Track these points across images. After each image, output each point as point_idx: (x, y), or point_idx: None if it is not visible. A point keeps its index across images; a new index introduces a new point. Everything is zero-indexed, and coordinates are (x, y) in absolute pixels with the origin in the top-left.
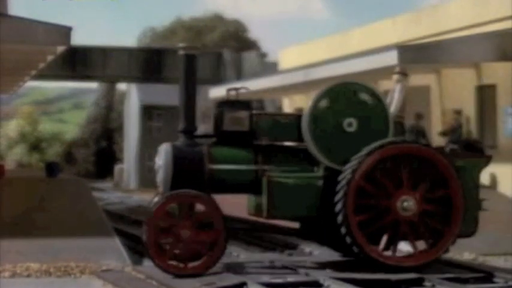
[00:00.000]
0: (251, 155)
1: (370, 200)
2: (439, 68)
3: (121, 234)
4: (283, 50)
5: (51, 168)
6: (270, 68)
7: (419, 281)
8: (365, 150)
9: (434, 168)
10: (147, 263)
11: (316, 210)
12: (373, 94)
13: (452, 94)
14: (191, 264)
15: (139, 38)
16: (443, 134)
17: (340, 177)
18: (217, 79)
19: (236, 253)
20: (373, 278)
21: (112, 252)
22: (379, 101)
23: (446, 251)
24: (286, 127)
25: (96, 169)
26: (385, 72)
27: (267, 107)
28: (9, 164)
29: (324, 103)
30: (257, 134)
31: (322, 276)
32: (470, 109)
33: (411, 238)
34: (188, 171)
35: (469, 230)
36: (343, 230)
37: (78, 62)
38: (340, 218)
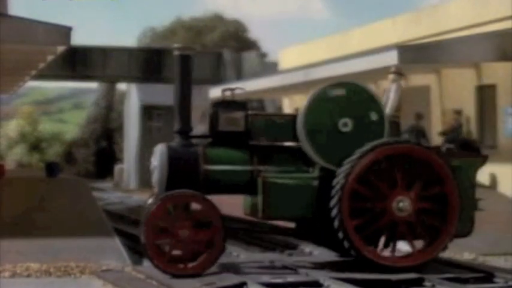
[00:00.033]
0: (246, 155)
1: (365, 203)
2: (439, 68)
3: (121, 234)
4: (283, 50)
5: (51, 168)
6: (270, 68)
7: (419, 281)
8: (357, 153)
9: (428, 166)
10: (147, 263)
11: (311, 210)
12: (369, 94)
13: (452, 94)
14: (191, 264)
15: (139, 38)
16: (444, 134)
17: (334, 182)
18: (217, 79)
19: (236, 253)
20: (373, 278)
21: (112, 252)
22: (374, 101)
23: (444, 249)
24: (282, 127)
25: (96, 169)
26: (385, 72)
27: (267, 107)
28: (9, 164)
29: (319, 103)
30: (252, 134)
31: (322, 276)
32: (470, 109)
33: (409, 238)
34: (183, 172)
35: (465, 229)
36: (340, 235)
37: (78, 62)
38: (336, 223)
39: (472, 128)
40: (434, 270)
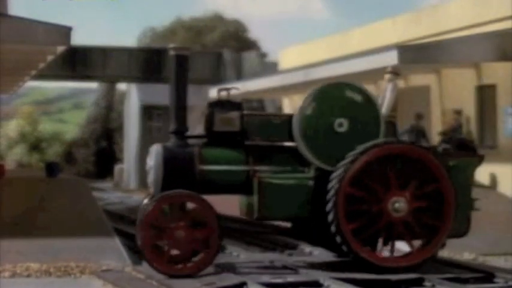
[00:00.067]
0: (242, 155)
1: (361, 205)
2: (439, 68)
3: (121, 234)
4: (283, 50)
5: (51, 168)
6: (270, 68)
7: (419, 281)
8: (349, 156)
9: (421, 165)
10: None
11: (307, 210)
12: (364, 94)
13: (452, 94)
14: (189, 264)
15: (139, 38)
16: (444, 134)
17: (328, 186)
18: (217, 79)
19: (236, 253)
20: (373, 278)
21: (112, 252)
22: (370, 102)
23: (442, 246)
24: (278, 127)
25: (96, 169)
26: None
27: (267, 107)
28: (9, 164)
29: (314, 103)
30: (248, 134)
31: (322, 276)
32: (470, 109)
33: (407, 238)
34: (179, 172)
35: (462, 229)
36: (338, 239)
37: (78, 62)
38: (333, 228)
39: (472, 128)
40: (434, 270)
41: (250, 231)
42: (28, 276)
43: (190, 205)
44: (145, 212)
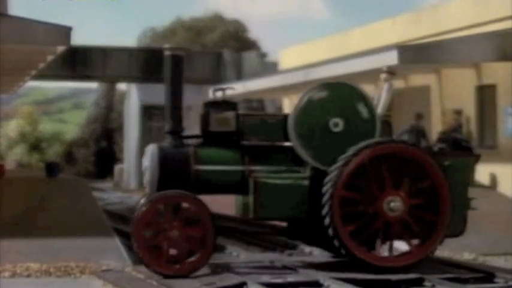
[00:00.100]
0: (237, 155)
1: (356, 207)
2: (439, 68)
3: (121, 234)
4: (283, 50)
5: (51, 168)
6: (270, 68)
7: (419, 281)
8: (341, 160)
9: (414, 163)
10: None
11: (303, 210)
12: (360, 94)
13: (452, 94)
14: (186, 264)
15: (139, 38)
16: (444, 134)
17: (323, 190)
18: (217, 79)
19: (236, 253)
20: (373, 278)
21: (112, 252)
22: (365, 101)
23: (441, 242)
24: (273, 127)
25: (96, 169)
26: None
27: (267, 107)
28: (9, 164)
29: (310, 103)
30: (244, 134)
31: (322, 276)
32: (470, 109)
33: (405, 236)
34: (174, 172)
35: (458, 229)
36: (336, 243)
37: (78, 62)
38: (331, 232)
39: (472, 128)
40: (434, 270)
41: (250, 232)
42: (28, 276)
43: (185, 205)
44: (140, 213)
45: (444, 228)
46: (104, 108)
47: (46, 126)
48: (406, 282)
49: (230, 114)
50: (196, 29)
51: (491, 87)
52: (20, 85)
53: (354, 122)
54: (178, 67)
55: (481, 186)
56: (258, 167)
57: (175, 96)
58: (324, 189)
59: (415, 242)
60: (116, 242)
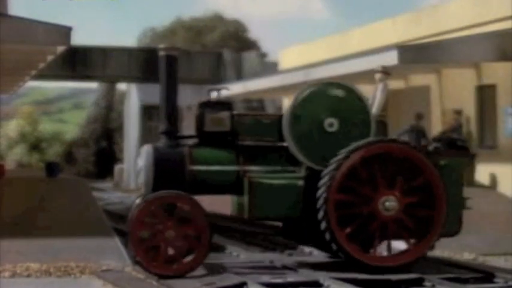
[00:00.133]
0: (232, 155)
1: (352, 209)
2: (439, 68)
3: (121, 234)
4: (283, 50)
5: (51, 168)
6: (270, 68)
7: (420, 281)
8: (333, 163)
9: (407, 161)
10: None
11: (298, 210)
12: (355, 94)
13: (452, 94)
14: (182, 263)
15: (139, 38)
16: (444, 134)
17: (317, 195)
18: (217, 79)
19: (236, 253)
20: (373, 278)
21: (112, 252)
22: (360, 101)
23: (438, 238)
24: (268, 127)
25: (96, 169)
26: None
27: (267, 107)
28: (9, 164)
29: (305, 103)
30: (238, 134)
31: (322, 276)
32: (470, 109)
33: (402, 236)
34: (169, 173)
35: (453, 229)
36: (333, 246)
37: (78, 62)
38: (327, 236)
39: (472, 128)
40: (434, 270)
41: (250, 232)
42: (28, 276)
43: (180, 205)
44: (134, 213)
45: (440, 225)
46: (104, 108)
47: (46, 126)
48: (406, 282)
49: (225, 115)
50: (196, 29)
51: (491, 87)
52: (20, 85)
53: (349, 122)
54: (172, 67)
55: (481, 186)
56: (252, 167)
57: (170, 96)
58: (318, 193)
59: (413, 240)
60: (116, 242)
